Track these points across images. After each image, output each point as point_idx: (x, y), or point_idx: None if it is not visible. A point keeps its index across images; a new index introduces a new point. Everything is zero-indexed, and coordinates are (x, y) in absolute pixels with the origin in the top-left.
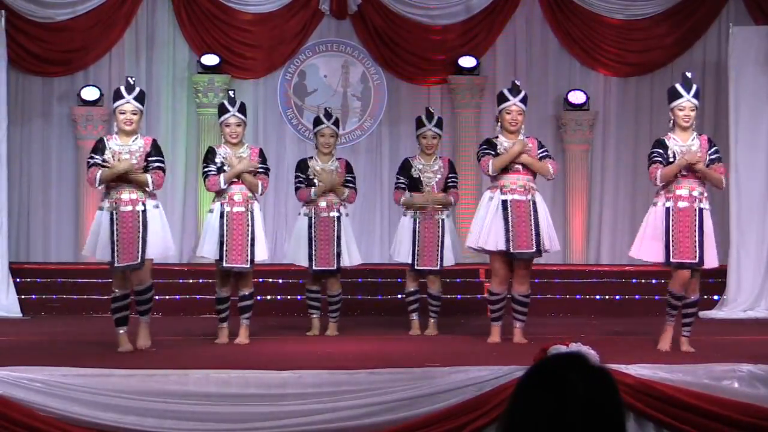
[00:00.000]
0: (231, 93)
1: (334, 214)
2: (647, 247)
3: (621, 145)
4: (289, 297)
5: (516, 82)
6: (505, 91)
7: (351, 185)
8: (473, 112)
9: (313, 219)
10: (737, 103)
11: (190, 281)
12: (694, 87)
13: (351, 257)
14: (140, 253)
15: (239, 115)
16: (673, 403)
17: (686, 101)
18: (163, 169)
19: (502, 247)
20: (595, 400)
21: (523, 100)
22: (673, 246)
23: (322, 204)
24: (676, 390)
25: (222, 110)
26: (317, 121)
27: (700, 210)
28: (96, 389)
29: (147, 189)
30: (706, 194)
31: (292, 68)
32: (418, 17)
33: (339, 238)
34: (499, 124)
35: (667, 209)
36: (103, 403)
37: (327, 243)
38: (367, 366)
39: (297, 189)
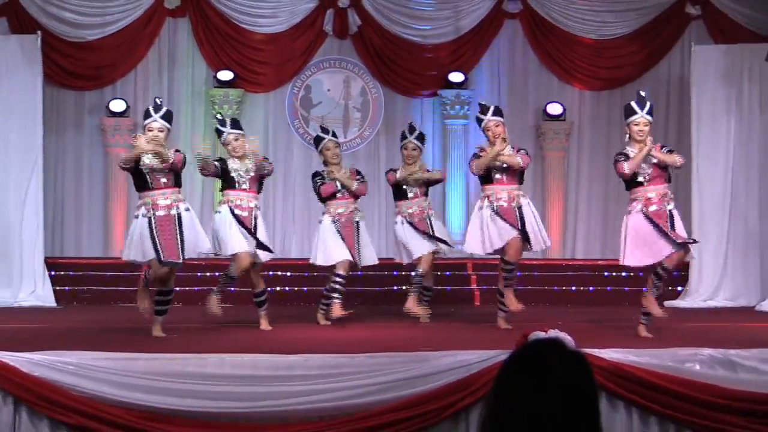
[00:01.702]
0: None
1: (356, 219)
2: (635, 254)
3: (594, 152)
4: (296, 288)
5: (481, 102)
6: (481, 105)
7: (360, 180)
8: (462, 123)
9: (336, 224)
10: (699, 116)
11: (208, 275)
12: (648, 104)
13: (366, 257)
14: (180, 252)
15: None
16: (641, 384)
17: (640, 117)
18: (183, 155)
19: (510, 236)
20: (572, 381)
21: (499, 114)
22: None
23: (342, 210)
24: (644, 372)
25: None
26: (319, 139)
27: (670, 212)
28: (123, 371)
29: (167, 161)
30: (671, 195)
31: (299, 83)
32: (412, 37)
33: (360, 238)
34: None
35: (645, 214)
36: (129, 383)
37: (352, 243)
38: (366, 350)
39: (321, 186)
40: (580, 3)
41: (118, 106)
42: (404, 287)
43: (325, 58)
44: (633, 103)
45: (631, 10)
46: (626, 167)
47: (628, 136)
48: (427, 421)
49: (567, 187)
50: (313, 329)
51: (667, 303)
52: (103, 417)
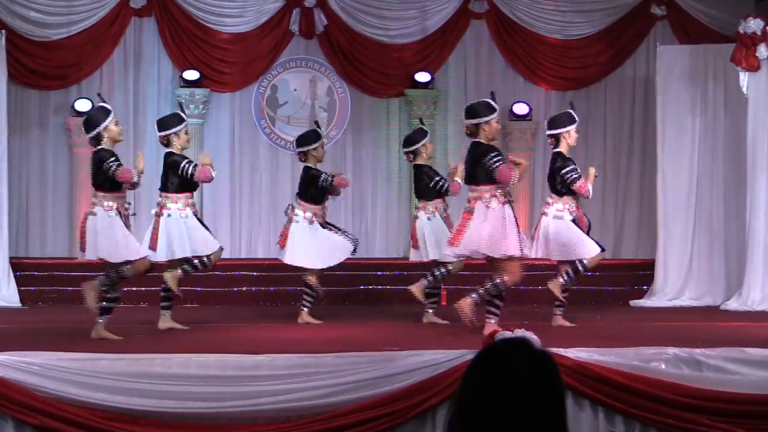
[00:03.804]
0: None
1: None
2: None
3: None
4: (263, 288)
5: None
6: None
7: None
8: (428, 122)
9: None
10: (664, 115)
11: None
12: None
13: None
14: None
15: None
16: (607, 383)
17: (577, 125)
18: None
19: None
20: (539, 380)
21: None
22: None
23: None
24: (610, 371)
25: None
26: (318, 136)
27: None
28: (87, 372)
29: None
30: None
31: (265, 82)
32: (379, 37)
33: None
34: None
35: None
36: (94, 384)
37: None
38: (333, 350)
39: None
40: (546, 3)
41: (83, 105)
42: (370, 287)
43: (292, 57)
44: (574, 113)
45: (597, 10)
46: (591, 191)
47: (557, 141)
48: (393, 420)
49: (533, 186)
50: (279, 329)
51: (633, 302)
52: (67, 417)
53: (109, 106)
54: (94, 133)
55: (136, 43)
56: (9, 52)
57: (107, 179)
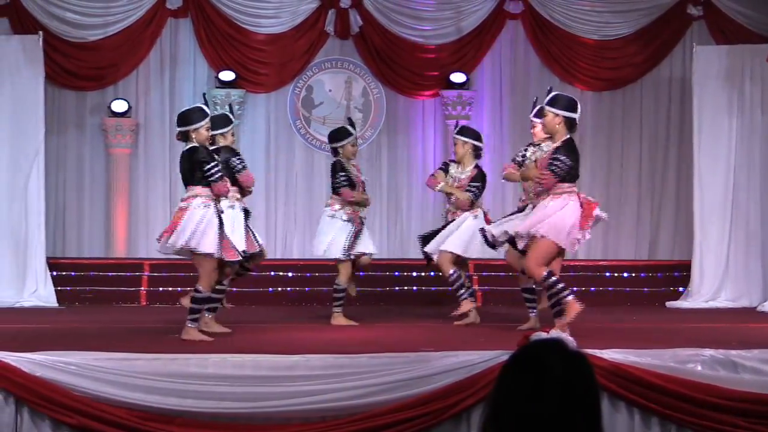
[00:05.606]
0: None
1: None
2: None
3: (596, 152)
4: (298, 288)
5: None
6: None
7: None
8: (463, 123)
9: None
10: (700, 115)
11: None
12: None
13: None
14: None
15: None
16: (643, 384)
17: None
18: None
19: None
20: (573, 381)
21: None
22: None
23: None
24: (645, 372)
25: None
26: (347, 133)
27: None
28: (125, 371)
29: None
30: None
31: (300, 83)
32: (414, 37)
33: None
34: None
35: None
36: (131, 384)
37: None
38: (368, 351)
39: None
40: (582, 4)
41: (119, 106)
42: (405, 287)
43: (327, 58)
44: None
45: (633, 10)
46: None
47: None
48: (428, 421)
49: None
50: (315, 330)
51: (669, 304)
52: (104, 417)
53: (207, 110)
54: (183, 129)
55: (172, 44)
56: (46, 53)
57: (204, 178)
